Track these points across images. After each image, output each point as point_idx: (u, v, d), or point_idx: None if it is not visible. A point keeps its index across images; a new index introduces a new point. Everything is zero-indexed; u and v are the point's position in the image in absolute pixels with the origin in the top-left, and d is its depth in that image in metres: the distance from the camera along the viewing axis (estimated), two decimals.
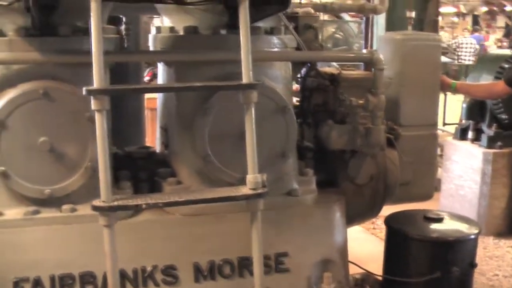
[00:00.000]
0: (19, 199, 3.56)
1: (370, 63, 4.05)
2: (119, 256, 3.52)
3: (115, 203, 2.77)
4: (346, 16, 16.04)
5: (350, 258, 4.25)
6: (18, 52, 3.47)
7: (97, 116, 2.77)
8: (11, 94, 3.46)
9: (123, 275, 3.61)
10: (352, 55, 4.36)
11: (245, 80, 2.93)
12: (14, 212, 3.54)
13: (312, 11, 4.47)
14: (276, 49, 4.00)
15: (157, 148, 4.54)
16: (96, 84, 2.75)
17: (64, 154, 3.53)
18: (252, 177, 2.95)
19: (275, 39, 3.99)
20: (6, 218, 3.52)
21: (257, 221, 2.99)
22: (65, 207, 3.57)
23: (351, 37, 14.96)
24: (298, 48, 4.15)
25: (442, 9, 32.64)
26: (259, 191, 2.95)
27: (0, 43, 3.48)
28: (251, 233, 3.00)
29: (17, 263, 3.48)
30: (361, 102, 4.09)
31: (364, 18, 10.68)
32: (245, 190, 2.96)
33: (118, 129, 5.47)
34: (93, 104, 2.75)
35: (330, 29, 15.18)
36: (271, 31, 4.01)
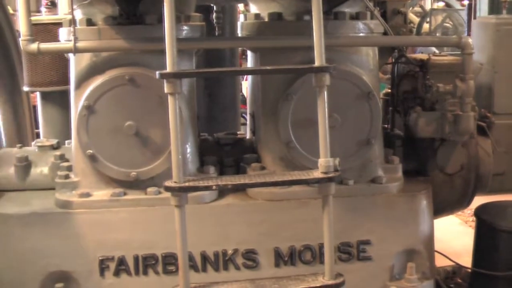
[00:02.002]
0: (106, 181, 3.72)
1: (457, 47, 3.90)
2: (202, 238, 3.63)
3: (186, 184, 2.83)
4: (456, 5, 15.58)
5: (445, 250, 4.12)
6: (106, 40, 3.62)
7: (169, 99, 2.83)
8: (99, 80, 3.63)
9: (204, 258, 3.69)
10: (439, 39, 4.18)
11: (317, 63, 2.90)
12: (102, 193, 3.70)
13: None
14: (361, 34, 3.94)
15: (247, 134, 4.60)
16: (168, 68, 2.82)
17: (149, 138, 3.65)
18: (324, 160, 2.91)
19: (360, 24, 3.93)
20: (93, 199, 3.68)
21: (329, 205, 2.95)
22: (150, 189, 3.68)
23: (461, 25, 14.44)
24: (385, 34, 4.07)
25: None
26: (331, 175, 2.90)
27: (90, 32, 3.65)
28: (322, 218, 2.96)
29: (103, 242, 3.64)
30: (448, 88, 3.96)
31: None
32: (316, 173, 2.93)
33: (214, 115, 5.61)
34: (166, 88, 2.82)
35: (440, 17, 14.74)
36: (357, 16, 3.95)
